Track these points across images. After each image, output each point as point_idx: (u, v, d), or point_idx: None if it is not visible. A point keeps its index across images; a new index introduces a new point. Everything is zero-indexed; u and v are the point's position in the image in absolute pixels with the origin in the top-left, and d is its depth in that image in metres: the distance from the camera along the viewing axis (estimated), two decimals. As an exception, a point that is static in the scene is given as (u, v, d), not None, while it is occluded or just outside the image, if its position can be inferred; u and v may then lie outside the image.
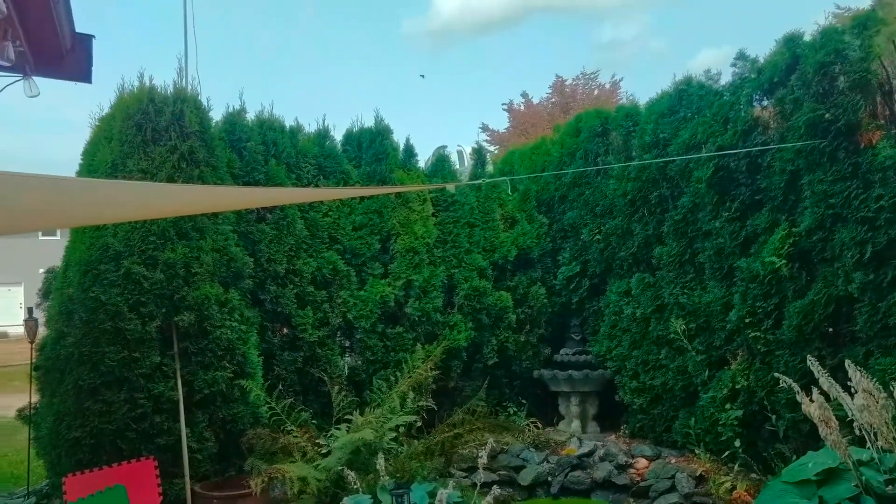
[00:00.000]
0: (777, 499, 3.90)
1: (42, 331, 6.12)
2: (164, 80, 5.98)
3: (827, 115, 5.06)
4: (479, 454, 4.43)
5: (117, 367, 5.30)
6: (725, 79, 6.21)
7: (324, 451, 5.49)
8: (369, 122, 7.54)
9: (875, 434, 3.73)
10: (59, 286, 5.93)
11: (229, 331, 5.69)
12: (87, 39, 3.31)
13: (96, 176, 5.77)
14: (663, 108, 6.61)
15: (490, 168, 8.75)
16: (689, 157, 6.14)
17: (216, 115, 6.42)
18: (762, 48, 5.88)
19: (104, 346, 5.30)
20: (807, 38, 5.45)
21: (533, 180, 8.26)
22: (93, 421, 5.28)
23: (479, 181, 7.21)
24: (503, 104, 24.14)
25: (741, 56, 6.00)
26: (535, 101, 23.79)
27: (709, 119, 6.07)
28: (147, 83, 5.91)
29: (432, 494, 4.52)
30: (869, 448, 3.82)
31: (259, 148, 6.68)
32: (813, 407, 3.59)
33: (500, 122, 24.67)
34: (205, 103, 6.17)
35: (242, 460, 5.65)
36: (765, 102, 5.85)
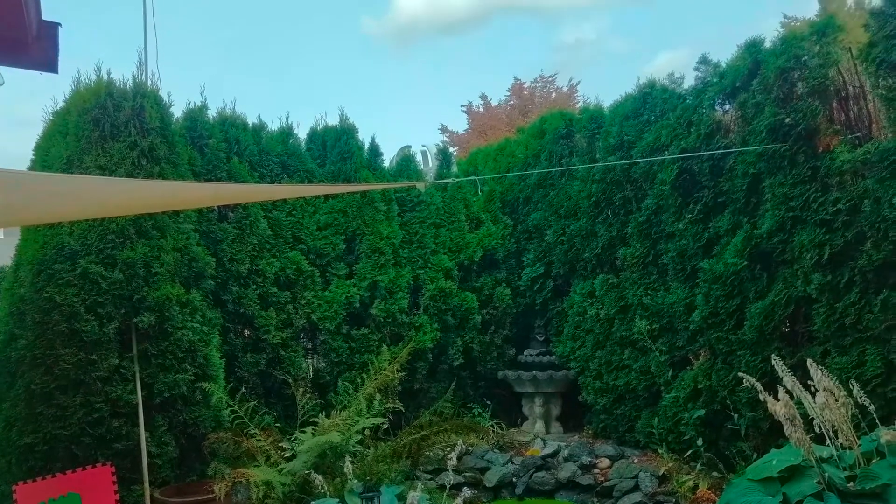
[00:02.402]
0: (742, 496, 3.95)
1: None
2: (122, 73, 5.81)
3: (787, 120, 5.18)
4: (449, 456, 4.40)
5: (73, 370, 5.12)
6: (688, 83, 6.31)
7: (287, 455, 5.39)
8: (334, 121, 7.48)
9: (835, 432, 3.82)
10: (10, 286, 5.70)
11: (191, 332, 5.54)
12: (53, 27, 3.17)
13: (51, 172, 5.56)
14: (627, 111, 6.69)
15: (455, 169, 8.74)
16: (653, 159, 6.22)
17: (177, 111, 6.27)
18: (720, 53, 6.02)
19: (59, 349, 5.11)
20: (767, 44, 5.56)
21: (497, 181, 8.28)
22: (46, 426, 5.08)
23: (449, 181, 7.19)
24: (462, 106, 24.17)
25: (704, 60, 6.10)
26: (494, 103, 23.88)
27: (672, 122, 6.16)
28: (105, 77, 5.73)
29: (401, 497, 4.48)
30: (829, 445, 3.91)
31: (221, 145, 6.54)
32: (779, 406, 3.65)
33: (459, 124, 24.68)
34: (165, 99, 6.01)
35: (204, 465, 5.52)
36: (727, 106, 5.96)
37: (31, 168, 5.91)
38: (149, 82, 5.94)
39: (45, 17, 3.34)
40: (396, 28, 35.49)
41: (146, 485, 5.20)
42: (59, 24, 3.25)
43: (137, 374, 5.33)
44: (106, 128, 5.55)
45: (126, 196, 4.50)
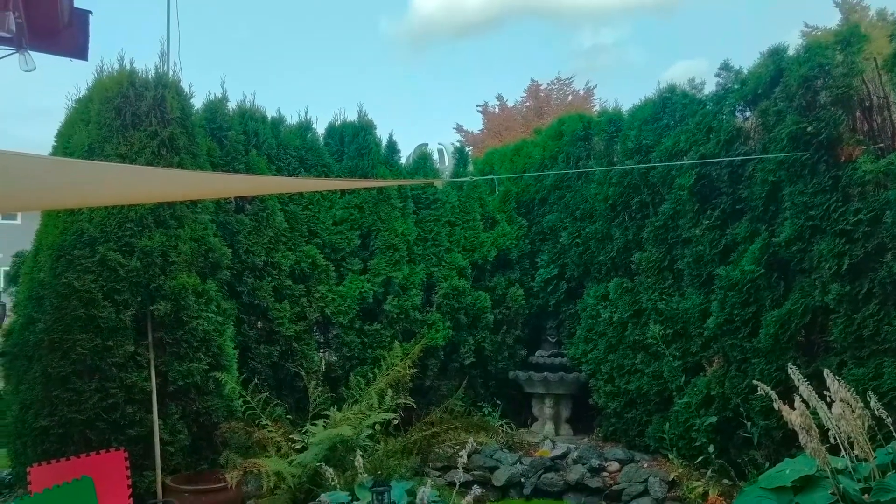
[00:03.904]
0: (754, 504, 3.94)
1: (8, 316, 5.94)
2: (144, 63, 5.85)
3: (809, 129, 5.15)
4: (459, 454, 4.41)
5: (89, 355, 5.16)
6: (709, 88, 6.29)
7: (298, 447, 5.42)
8: (352, 117, 7.49)
9: (851, 443, 3.80)
10: (29, 270, 5.77)
11: (206, 322, 5.57)
12: (83, 14, 3.19)
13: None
14: (647, 115, 6.67)
15: (471, 167, 8.74)
16: (671, 164, 6.20)
17: (197, 102, 6.30)
18: (740, 61, 5.96)
19: (76, 334, 5.15)
20: (790, 52, 5.53)
21: (513, 182, 8.28)
22: (61, 410, 5.13)
23: (467, 179, 7.20)
24: (478, 106, 24.21)
25: (725, 67, 6.07)
26: (510, 104, 23.89)
27: (692, 127, 6.14)
28: (127, 66, 5.77)
29: (411, 493, 4.50)
30: (843, 457, 3.89)
31: (240, 138, 6.57)
32: (795, 415, 3.63)
33: (475, 124, 24.72)
34: (186, 90, 6.05)
35: (215, 454, 5.56)
36: (748, 113, 5.94)
37: (53, 154, 5.96)
38: (170, 73, 5.99)
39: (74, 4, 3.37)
40: (413, 29, 35.57)
41: (158, 471, 5.24)
42: (89, 11, 3.27)
43: (152, 362, 5.37)
44: (127, 116, 5.59)
45: (145, 184, 4.54)
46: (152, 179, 4.54)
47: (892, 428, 3.87)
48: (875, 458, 3.78)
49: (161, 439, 5.31)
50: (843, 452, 3.83)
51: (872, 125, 5.20)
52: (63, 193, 4.34)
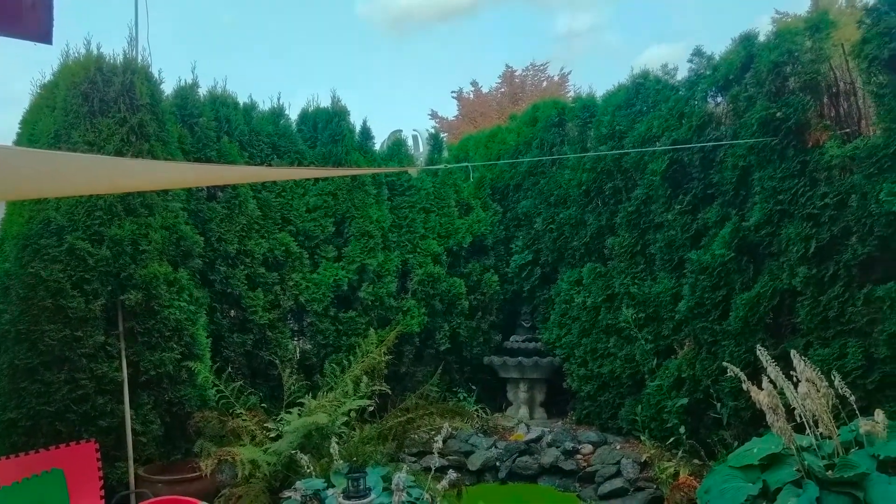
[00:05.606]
0: (723, 483, 4.03)
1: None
2: (112, 48, 5.72)
3: (778, 114, 5.22)
4: (435, 439, 4.43)
5: (58, 346, 5.07)
6: (682, 74, 6.34)
7: (273, 436, 5.40)
8: (325, 103, 7.41)
9: (816, 421, 3.89)
10: (-6, 261, 5.64)
11: (178, 311, 5.51)
12: (47, -3, 3.09)
13: (37, 147, 5.49)
14: (620, 101, 6.71)
15: (446, 154, 8.72)
16: (644, 149, 6.25)
17: (167, 88, 6.18)
18: (713, 46, 6.02)
19: (44, 325, 5.06)
20: (761, 38, 5.59)
21: (488, 168, 8.29)
22: (29, 402, 5.05)
23: (441, 166, 7.19)
24: (453, 92, 24.09)
25: (697, 53, 6.11)
26: (485, 90, 23.83)
27: (664, 113, 6.19)
28: (95, 51, 5.64)
29: (386, 478, 4.51)
30: (809, 434, 3.99)
31: (211, 124, 6.48)
32: (763, 395, 3.71)
33: (449, 110, 24.63)
34: (156, 75, 5.94)
35: (188, 444, 5.52)
36: (719, 99, 5.99)
37: (17, 142, 5.83)
38: (139, 58, 5.86)
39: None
40: (390, 14, 35.16)
41: (130, 462, 5.19)
42: (53, -7, 3.17)
43: (123, 352, 5.30)
44: (95, 103, 5.48)
45: (114, 175, 4.45)
46: (122, 171, 4.45)
47: (855, 406, 3.98)
48: (839, 435, 3.88)
49: (133, 430, 5.26)
50: (808, 430, 3.93)
51: (839, 111, 5.28)
52: (28, 185, 4.24)
